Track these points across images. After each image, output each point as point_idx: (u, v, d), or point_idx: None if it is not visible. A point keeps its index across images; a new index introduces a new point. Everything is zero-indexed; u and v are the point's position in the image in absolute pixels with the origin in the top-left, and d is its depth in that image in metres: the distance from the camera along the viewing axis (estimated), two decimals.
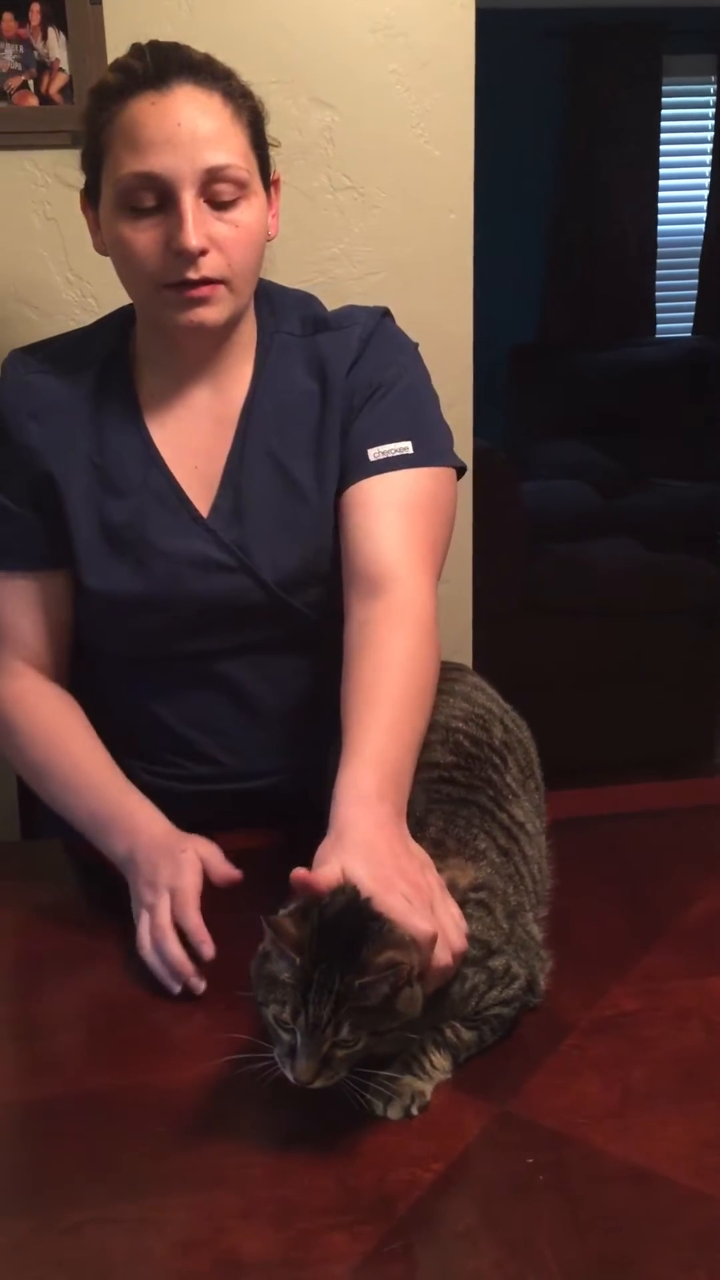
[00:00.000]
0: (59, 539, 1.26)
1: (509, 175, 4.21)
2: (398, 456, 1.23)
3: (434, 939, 0.88)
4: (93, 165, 1.19)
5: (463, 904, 0.96)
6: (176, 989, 1.03)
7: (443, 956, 0.89)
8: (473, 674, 1.21)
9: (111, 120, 1.15)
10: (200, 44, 1.20)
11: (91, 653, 1.33)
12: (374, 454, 1.23)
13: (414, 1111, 0.88)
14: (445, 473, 1.26)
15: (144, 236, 1.15)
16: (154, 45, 1.17)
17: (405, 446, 1.23)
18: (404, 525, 1.21)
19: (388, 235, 1.75)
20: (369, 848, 0.93)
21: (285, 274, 1.35)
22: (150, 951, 1.05)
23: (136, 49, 1.17)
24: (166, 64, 1.14)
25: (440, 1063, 0.91)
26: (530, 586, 3.23)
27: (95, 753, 1.24)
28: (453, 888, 0.97)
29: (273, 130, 1.23)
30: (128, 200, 1.15)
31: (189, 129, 1.12)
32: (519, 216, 4.54)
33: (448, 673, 1.19)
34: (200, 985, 1.02)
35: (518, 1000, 0.96)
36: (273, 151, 1.23)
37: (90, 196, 1.22)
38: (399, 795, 1.00)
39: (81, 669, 1.34)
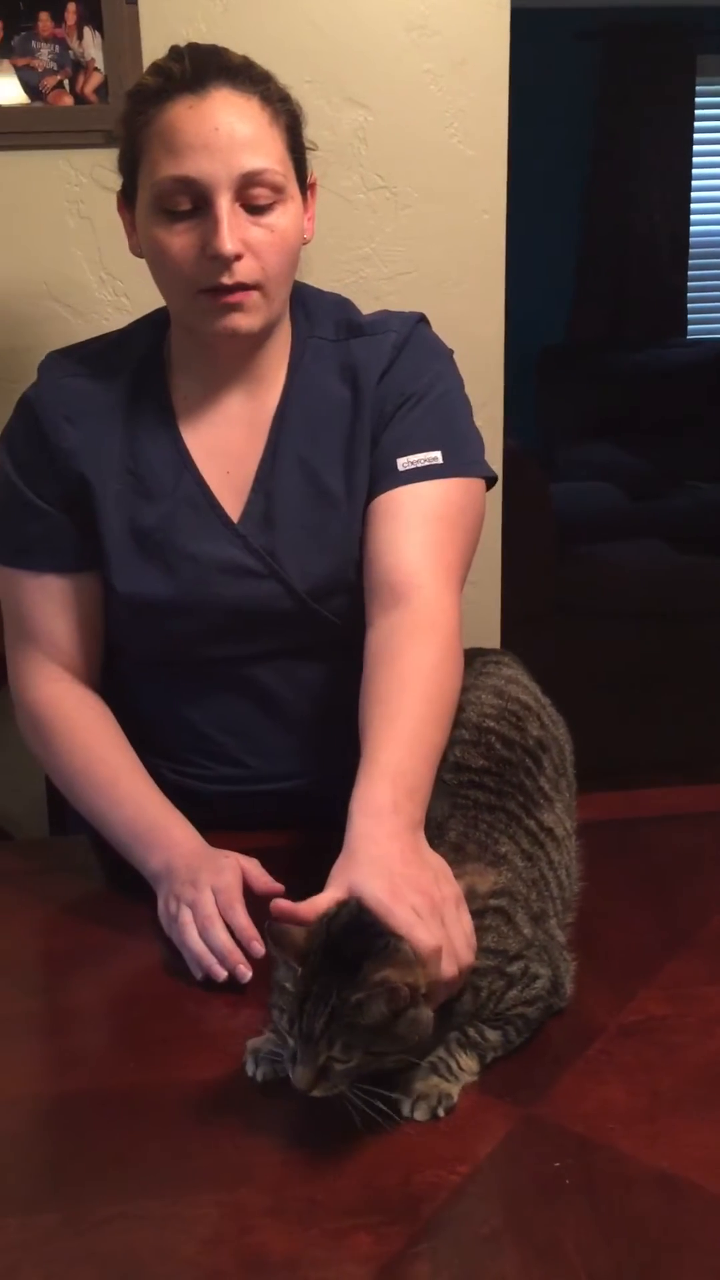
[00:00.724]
0: (90, 541, 1.26)
1: (540, 175, 4.20)
2: (426, 466, 1.22)
3: (437, 951, 0.87)
4: (129, 168, 1.19)
5: (482, 912, 0.96)
6: (223, 975, 1.02)
7: (448, 969, 0.88)
8: (511, 663, 1.20)
9: (149, 123, 1.15)
10: (234, 43, 1.20)
11: (118, 654, 1.33)
12: (403, 464, 1.22)
13: (440, 1113, 0.88)
14: (474, 483, 1.26)
15: (179, 240, 1.15)
16: (193, 48, 1.17)
17: (435, 456, 1.22)
18: (429, 536, 1.20)
19: (420, 235, 1.75)
20: (380, 861, 0.93)
21: (317, 274, 1.35)
22: (195, 940, 1.05)
23: (175, 51, 1.17)
24: (205, 67, 1.14)
25: (467, 1064, 0.91)
26: (559, 589, 3.22)
27: (132, 764, 1.24)
28: (472, 894, 0.96)
29: (305, 130, 1.22)
30: (164, 203, 1.15)
31: (226, 133, 1.12)
32: (550, 216, 4.53)
33: (484, 661, 1.18)
34: (247, 974, 1.02)
35: (541, 1001, 0.95)
36: (310, 147, 1.22)
37: (127, 198, 1.22)
38: (415, 807, 0.99)
39: (108, 669, 1.34)
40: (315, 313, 1.30)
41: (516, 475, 2.02)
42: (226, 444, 1.27)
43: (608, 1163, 0.84)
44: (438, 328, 1.33)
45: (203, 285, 1.16)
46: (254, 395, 1.27)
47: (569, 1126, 0.87)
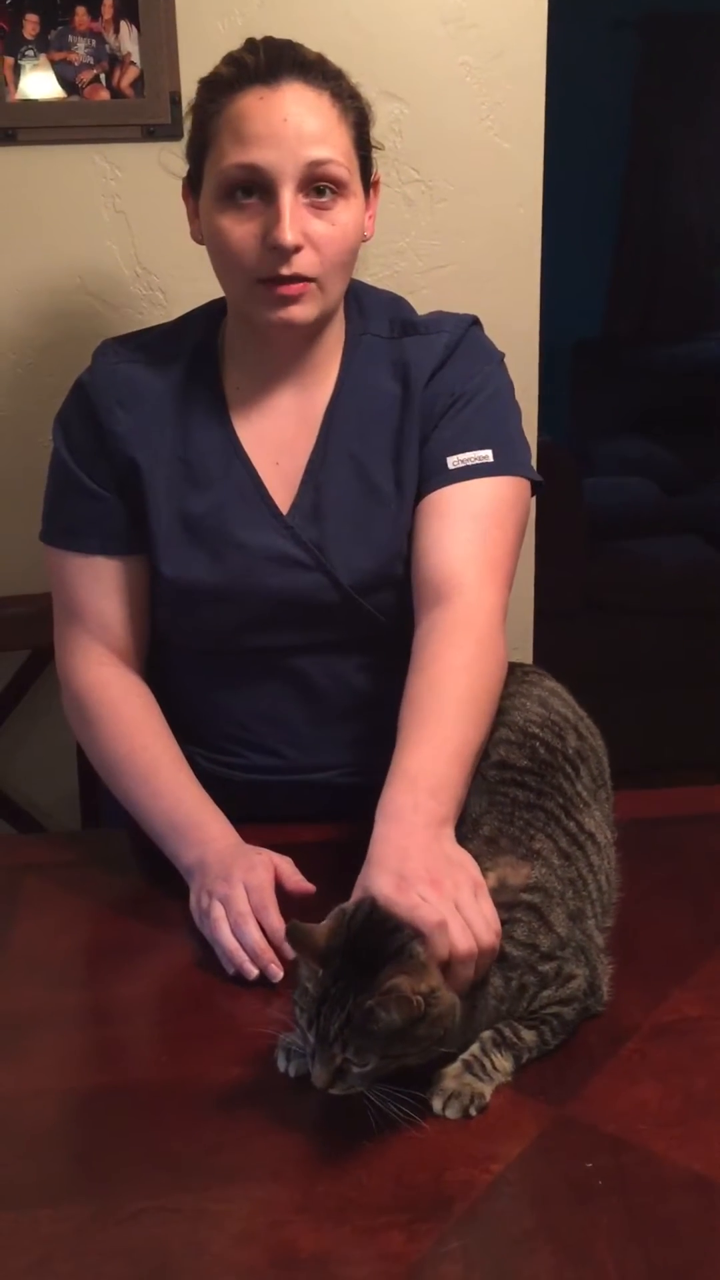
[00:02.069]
0: (139, 525, 1.27)
1: (576, 167, 4.17)
2: (477, 465, 1.23)
3: (442, 925, 0.88)
4: (196, 155, 1.20)
5: (512, 905, 0.95)
6: (254, 973, 1.03)
7: (462, 942, 0.89)
8: (549, 678, 1.20)
9: (219, 112, 1.16)
10: (271, 35, 1.20)
11: (161, 640, 1.33)
12: (453, 462, 1.23)
13: (472, 1112, 0.88)
14: (522, 484, 1.26)
15: (241, 229, 1.15)
16: (268, 41, 1.18)
17: (485, 455, 1.23)
18: (476, 534, 1.21)
19: (455, 229, 1.74)
20: (391, 858, 0.94)
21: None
22: (228, 936, 1.05)
23: (251, 43, 1.18)
24: (278, 60, 1.15)
25: (502, 1064, 0.91)
26: (592, 584, 3.20)
27: (173, 755, 1.24)
28: (502, 886, 0.96)
29: (371, 129, 1.23)
30: (228, 191, 1.15)
31: (295, 125, 1.13)
32: (586, 209, 4.50)
33: (524, 675, 1.18)
34: (279, 973, 1.03)
35: (577, 1002, 0.95)
36: (376, 147, 1.23)
37: (192, 185, 1.23)
38: (437, 805, 1.00)
39: (150, 655, 1.35)
40: (370, 309, 1.31)
41: (550, 470, 2.00)
42: (277, 435, 1.27)
43: (640, 1164, 0.84)
44: None
45: (261, 275, 1.16)
46: (306, 388, 1.28)
47: (601, 1127, 0.87)
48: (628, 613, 3.21)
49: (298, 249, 1.14)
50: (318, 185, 1.15)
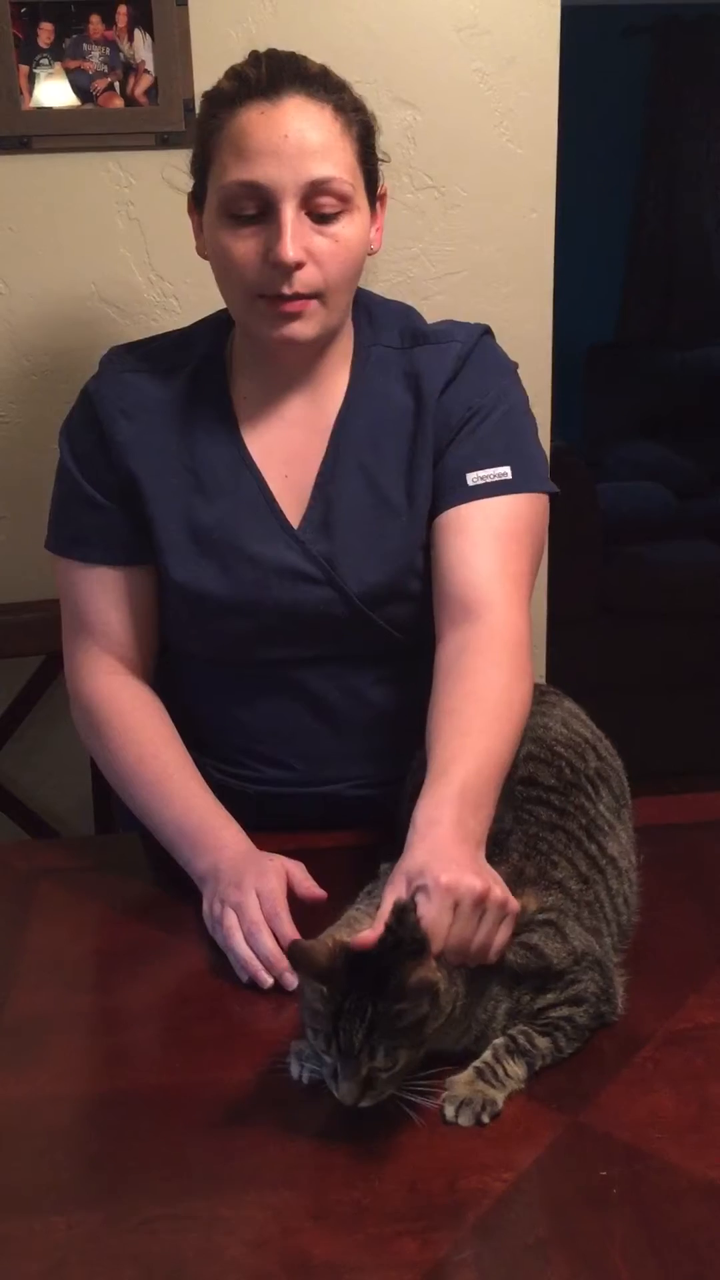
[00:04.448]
0: (144, 535, 1.27)
1: (589, 172, 4.17)
2: (496, 482, 1.22)
3: (449, 888, 0.89)
4: (200, 170, 1.20)
5: (529, 926, 0.95)
6: (269, 982, 1.03)
7: (461, 881, 0.90)
8: (567, 699, 1.20)
9: (221, 127, 1.15)
10: (283, 44, 1.20)
11: (172, 652, 1.33)
12: (472, 479, 1.22)
13: (484, 1119, 0.88)
14: (541, 498, 1.26)
15: (243, 245, 1.15)
16: (271, 54, 1.17)
17: (504, 472, 1.23)
18: (499, 552, 1.21)
19: (468, 235, 1.74)
20: (420, 856, 0.94)
21: (365, 274, 1.35)
22: (241, 945, 1.05)
23: (254, 56, 1.17)
24: (280, 74, 1.14)
25: (514, 1070, 0.91)
26: (605, 589, 3.20)
27: (183, 762, 1.24)
28: (522, 912, 0.96)
29: (378, 141, 1.22)
30: (230, 208, 1.15)
31: (296, 140, 1.12)
32: (598, 214, 4.50)
33: (543, 695, 1.18)
34: (294, 981, 1.02)
35: (589, 1005, 0.95)
36: (382, 159, 1.22)
37: (197, 201, 1.22)
38: (478, 825, 0.99)
39: (159, 667, 1.35)
40: (380, 320, 1.30)
41: (563, 475, 2.00)
42: (287, 446, 1.27)
43: (655, 1172, 0.84)
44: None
45: (263, 291, 1.16)
46: (315, 400, 1.27)
47: (616, 1135, 0.87)
48: (641, 617, 3.20)
49: (299, 265, 1.13)
50: (320, 201, 1.14)
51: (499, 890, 0.93)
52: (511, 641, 1.15)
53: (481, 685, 1.10)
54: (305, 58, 1.18)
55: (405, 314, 1.32)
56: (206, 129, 1.17)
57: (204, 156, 1.18)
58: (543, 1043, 0.92)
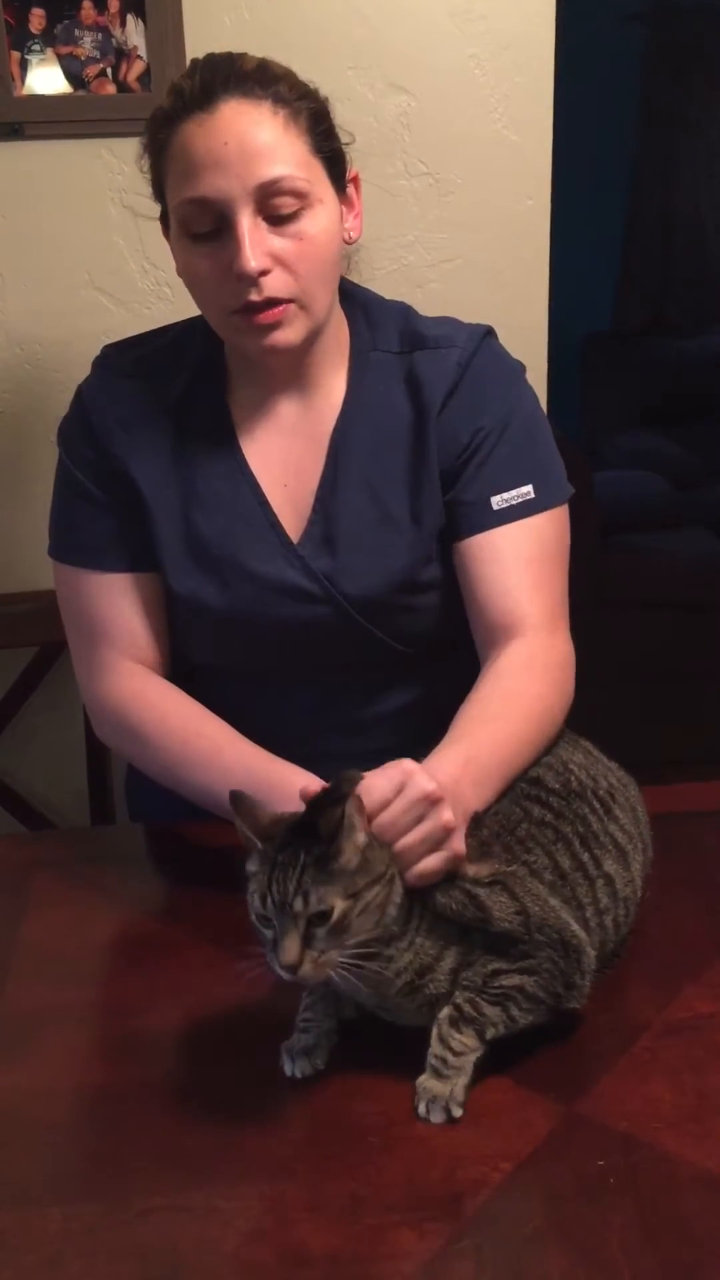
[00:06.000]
0: (148, 542, 1.24)
1: (584, 160, 4.15)
2: (520, 504, 1.22)
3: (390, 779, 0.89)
4: (159, 193, 1.18)
5: (477, 882, 0.92)
6: None
7: (418, 774, 0.91)
8: (585, 740, 1.17)
9: (165, 147, 1.13)
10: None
11: (177, 656, 1.31)
12: (497, 502, 1.21)
13: (454, 1112, 0.87)
14: (563, 509, 1.26)
15: (206, 263, 1.13)
16: (206, 60, 1.14)
17: (527, 491, 1.22)
18: (535, 577, 1.21)
19: (463, 222, 1.73)
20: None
21: (359, 263, 1.34)
22: None
23: (191, 66, 1.15)
24: (213, 80, 1.10)
25: (466, 1041, 0.89)
26: (603, 579, 3.19)
27: (230, 733, 1.19)
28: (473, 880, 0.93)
29: (347, 116, 1.19)
30: (188, 227, 1.13)
31: (237, 146, 1.08)
32: (594, 202, 4.48)
33: (566, 733, 1.16)
34: None
35: (542, 980, 0.90)
36: (346, 140, 1.18)
37: (164, 224, 1.20)
38: (474, 799, 0.98)
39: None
40: (378, 323, 1.27)
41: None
42: (284, 455, 1.25)
43: (652, 1162, 0.83)
44: (481, 315, 1.30)
45: (234, 306, 1.13)
46: (310, 405, 1.25)
47: (613, 1125, 0.87)
48: (638, 607, 3.20)
49: (265, 273, 1.10)
50: (276, 202, 1.10)
51: (449, 816, 0.91)
52: (554, 663, 1.17)
53: (516, 687, 1.11)
54: (243, 55, 1.14)
55: (404, 313, 1.29)
56: (154, 151, 1.15)
57: (159, 179, 1.16)
58: (491, 1011, 0.89)
